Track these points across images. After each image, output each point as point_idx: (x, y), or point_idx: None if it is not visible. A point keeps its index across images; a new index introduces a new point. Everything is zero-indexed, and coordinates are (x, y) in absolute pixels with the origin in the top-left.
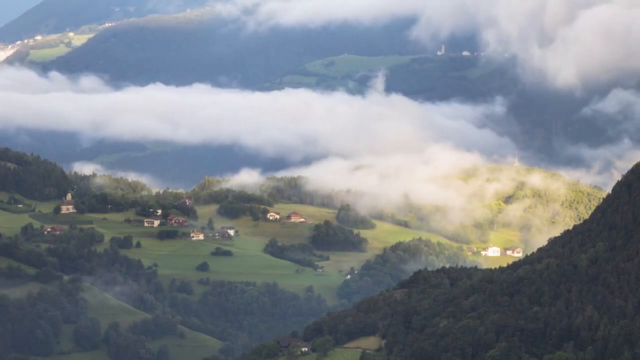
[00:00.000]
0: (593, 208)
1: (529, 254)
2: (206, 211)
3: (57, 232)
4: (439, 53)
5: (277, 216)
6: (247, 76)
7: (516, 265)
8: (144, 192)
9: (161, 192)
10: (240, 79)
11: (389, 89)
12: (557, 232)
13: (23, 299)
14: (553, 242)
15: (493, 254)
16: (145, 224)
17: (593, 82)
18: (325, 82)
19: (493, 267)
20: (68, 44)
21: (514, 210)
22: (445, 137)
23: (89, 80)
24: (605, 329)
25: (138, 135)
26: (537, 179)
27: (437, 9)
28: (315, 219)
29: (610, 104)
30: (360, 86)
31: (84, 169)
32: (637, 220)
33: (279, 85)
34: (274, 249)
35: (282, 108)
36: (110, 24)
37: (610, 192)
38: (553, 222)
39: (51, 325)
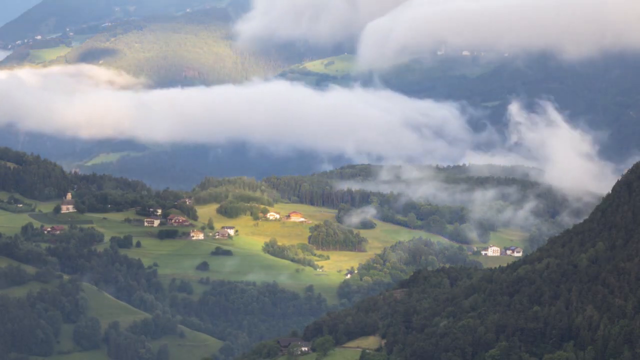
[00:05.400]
0: None
1: (529, 254)
2: (206, 211)
3: (57, 232)
4: (439, 53)
5: (277, 216)
6: (249, 75)
7: (516, 265)
8: (144, 192)
9: (161, 192)
10: (241, 78)
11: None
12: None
13: (23, 299)
14: (553, 241)
15: (493, 254)
16: (145, 224)
17: None
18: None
19: (493, 267)
20: (68, 44)
21: (514, 210)
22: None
23: (89, 80)
24: (605, 329)
25: (138, 135)
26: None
27: None
28: (315, 219)
29: None
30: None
31: (84, 168)
32: (637, 220)
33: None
34: (274, 249)
35: (284, 107)
36: (110, 24)
37: (610, 191)
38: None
39: (51, 325)
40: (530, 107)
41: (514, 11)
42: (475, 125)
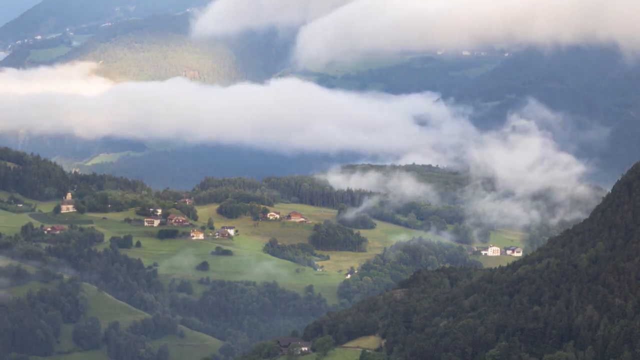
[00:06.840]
0: None
1: (529, 254)
2: (206, 211)
3: (57, 232)
4: (439, 53)
5: (277, 216)
6: (251, 75)
7: (516, 265)
8: (144, 192)
9: (161, 192)
10: (241, 78)
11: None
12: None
13: (23, 299)
14: (553, 241)
15: (493, 254)
16: (145, 224)
17: None
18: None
19: (493, 267)
20: (68, 44)
21: (514, 210)
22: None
23: (89, 80)
24: (605, 329)
25: (138, 135)
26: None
27: None
28: (315, 219)
29: None
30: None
31: (84, 168)
32: (637, 220)
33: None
34: (274, 249)
35: (283, 107)
36: (110, 24)
37: (610, 191)
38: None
39: (51, 325)
40: (530, 107)
41: (514, 12)
42: (475, 125)
